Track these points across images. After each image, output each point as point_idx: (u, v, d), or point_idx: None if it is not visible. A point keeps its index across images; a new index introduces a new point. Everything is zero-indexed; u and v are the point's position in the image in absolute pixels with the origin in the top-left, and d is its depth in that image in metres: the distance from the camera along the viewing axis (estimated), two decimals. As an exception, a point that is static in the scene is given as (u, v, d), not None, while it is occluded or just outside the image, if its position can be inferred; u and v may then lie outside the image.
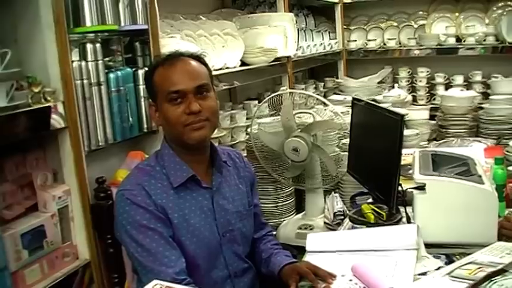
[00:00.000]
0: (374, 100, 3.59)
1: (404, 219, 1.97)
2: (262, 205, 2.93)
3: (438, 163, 2.04)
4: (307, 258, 1.83)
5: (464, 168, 2.00)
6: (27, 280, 1.85)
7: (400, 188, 1.95)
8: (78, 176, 2.01)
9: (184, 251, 1.69)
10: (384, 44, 5.16)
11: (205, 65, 1.82)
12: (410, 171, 2.05)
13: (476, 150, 2.53)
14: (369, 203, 2.13)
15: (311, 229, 2.71)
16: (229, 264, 1.81)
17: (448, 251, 1.78)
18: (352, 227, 2.06)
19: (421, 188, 1.84)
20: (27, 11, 1.91)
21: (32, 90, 1.84)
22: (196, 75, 1.74)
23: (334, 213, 2.62)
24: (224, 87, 3.06)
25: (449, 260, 1.72)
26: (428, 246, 1.79)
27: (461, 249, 1.77)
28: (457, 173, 1.93)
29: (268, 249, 1.96)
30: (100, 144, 2.15)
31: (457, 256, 1.73)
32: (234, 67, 3.15)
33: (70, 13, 2.03)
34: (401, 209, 1.98)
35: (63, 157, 2.02)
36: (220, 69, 2.99)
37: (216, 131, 2.85)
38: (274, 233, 2.51)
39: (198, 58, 1.81)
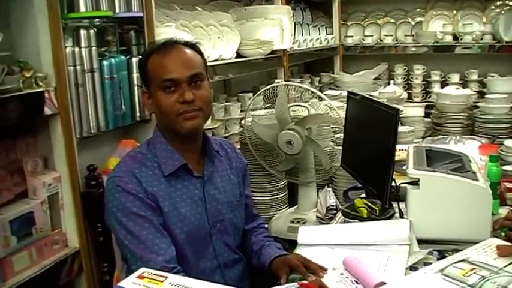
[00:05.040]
0: (370, 96, 3.58)
1: (397, 215, 1.96)
2: (255, 198, 2.92)
3: (432, 159, 2.02)
4: (299, 251, 1.82)
5: (458, 165, 1.99)
6: (15, 267, 1.83)
7: (393, 183, 1.94)
8: (69, 163, 1.99)
9: (174, 240, 1.68)
10: (381, 41, 5.14)
11: (200, 53, 1.80)
12: (404, 167, 2.03)
13: (471, 147, 2.52)
14: (361, 198, 2.12)
15: (303, 223, 2.71)
16: (218, 254, 1.80)
17: (440, 247, 1.77)
18: (345, 222, 2.05)
19: (415, 183, 1.83)
20: (20, -6, 1.89)
21: (24, 75, 1.82)
22: (190, 64, 1.72)
23: (327, 208, 2.60)
24: (219, 79, 3.04)
25: (442, 256, 1.70)
26: (420, 242, 1.78)
27: (454, 245, 1.75)
28: (451, 169, 1.92)
29: (260, 241, 1.94)
30: (92, 131, 2.14)
31: (450, 252, 1.71)
32: (230, 59, 3.13)
33: (64, -2, 2.01)
34: (395, 204, 1.97)
35: (54, 144, 1.99)
36: (216, 60, 2.97)
37: (209, 122, 2.86)
38: (266, 226, 2.49)
39: (193, 46, 1.79)
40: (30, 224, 1.89)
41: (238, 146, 3.01)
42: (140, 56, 1.94)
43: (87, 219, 2.06)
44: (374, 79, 4.73)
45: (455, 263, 1.54)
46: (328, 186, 2.84)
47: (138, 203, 1.63)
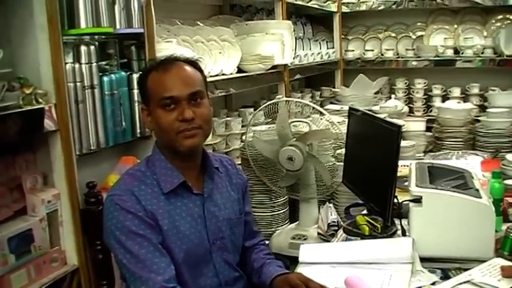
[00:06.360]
0: (371, 110, 3.57)
1: (399, 232, 1.94)
2: (256, 214, 2.90)
3: (435, 175, 2.01)
4: (300, 269, 1.80)
5: (461, 182, 1.97)
6: (13, 285, 1.81)
7: (395, 200, 1.92)
8: (68, 180, 1.98)
9: (173, 258, 1.65)
10: (382, 55, 5.16)
11: (200, 70, 1.79)
12: (406, 183, 2.02)
13: (473, 163, 2.50)
14: (363, 215, 2.10)
15: (304, 239, 2.69)
16: (219, 272, 1.77)
17: (443, 266, 1.75)
18: (347, 239, 2.03)
19: (417, 200, 1.81)
20: (20, 11, 1.88)
21: (24, 92, 1.81)
22: (190, 81, 1.70)
23: (328, 224, 2.59)
24: (220, 94, 3.03)
25: (445, 275, 1.69)
26: (423, 260, 1.76)
27: (457, 264, 1.74)
28: (454, 186, 1.90)
29: (260, 259, 1.92)
30: (92, 148, 2.13)
31: (453, 271, 1.70)
32: (231, 74, 3.13)
33: (65, 14, 2.00)
34: (397, 221, 1.95)
35: (53, 160, 1.98)
36: (217, 75, 2.97)
37: (210, 137, 2.84)
38: (267, 242, 2.47)
39: (193, 63, 1.77)
40: (29, 241, 1.87)
41: (239, 162, 3.00)
42: (140, 72, 1.93)
43: (87, 237, 2.04)
44: (375, 93, 4.72)
45: (459, 284, 1.52)
46: (330, 202, 2.83)
47: (137, 222, 1.61)
